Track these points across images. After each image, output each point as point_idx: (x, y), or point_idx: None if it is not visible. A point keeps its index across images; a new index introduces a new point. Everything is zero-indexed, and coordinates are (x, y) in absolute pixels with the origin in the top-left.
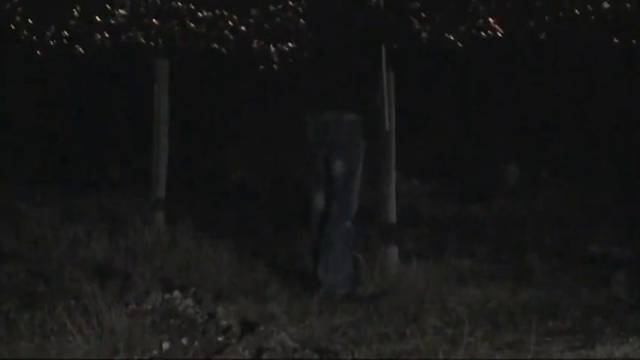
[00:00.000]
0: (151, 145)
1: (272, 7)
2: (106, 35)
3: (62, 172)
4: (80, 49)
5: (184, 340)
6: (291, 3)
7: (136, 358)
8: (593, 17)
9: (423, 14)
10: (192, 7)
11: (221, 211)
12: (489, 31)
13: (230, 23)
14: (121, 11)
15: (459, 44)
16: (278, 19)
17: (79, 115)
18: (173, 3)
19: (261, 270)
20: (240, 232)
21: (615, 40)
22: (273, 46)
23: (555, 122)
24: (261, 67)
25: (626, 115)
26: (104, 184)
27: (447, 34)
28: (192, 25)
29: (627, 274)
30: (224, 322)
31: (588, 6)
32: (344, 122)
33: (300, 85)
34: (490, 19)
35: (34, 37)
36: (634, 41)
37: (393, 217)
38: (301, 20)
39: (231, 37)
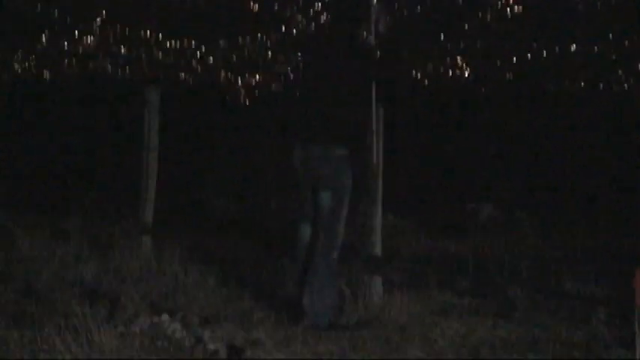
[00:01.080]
0: (140, 170)
1: (240, 40)
2: (74, 62)
3: (52, 194)
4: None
5: None
6: (260, 36)
7: None
8: (559, 59)
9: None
10: (160, 37)
11: (208, 237)
12: (461, 70)
13: (198, 54)
14: (89, 39)
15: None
16: (246, 51)
17: (73, 142)
18: (141, 33)
19: (246, 297)
20: (227, 259)
21: (582, 84)
22: (241, 77)
23: (528, 161)
24: (227, 97)
25: (596, 154)
26: (94, 207)
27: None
28: (160, 54)
29: (607, 311)
30: (211, 346)
31: (556, 48)
32: (332, 156)
33: (289, 118)
34: (458, 60)
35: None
36: (601, 84)
37: (378, 250)
38: (269, 53)
39: (199, 67)
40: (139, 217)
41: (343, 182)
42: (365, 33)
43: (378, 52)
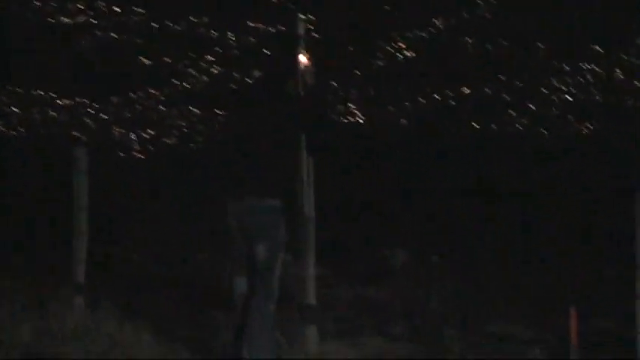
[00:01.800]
0: (71, 230)
1: (132, 95)
2: None
3: None
4: None
5: None
6: (152, 91)
7: None
8: (453, 102)
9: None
10: (54, 94)
11: (142, 294)
12: (354, 116)
13: (91, 111)
14: None
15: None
16: (138, 106)
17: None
18: (33, 92)
19: (183, 352)
20: (162, 315)
21: (493, 126)
22: (134, 132)
23: (438, 205)
24: (122, 155)
25: (502, 194)
26: (25, 268)
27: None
28: (53, 113)
29: (543, 351)
30: None
31: (447, 91)
32: (265, 208)
33: (220, 170)
34: (350, 105)
35: None
36: (493, 125)
37: (312, 299)
38: (161, 107)
39: (92, 124)
40: (71, 277)
41: (278, 234)
42: (292, 86)
43: (306, 103)
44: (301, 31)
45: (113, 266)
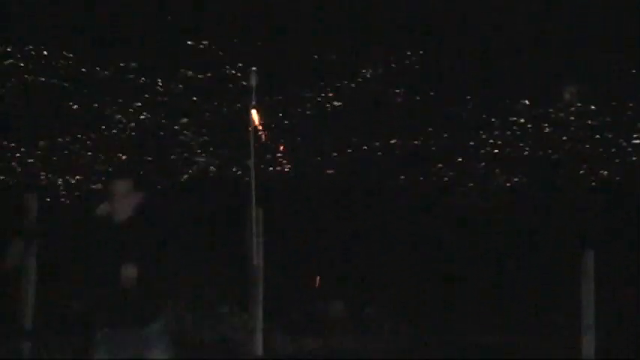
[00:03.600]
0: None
1: (60, 140)
2: None
3: None
4: None
5: None
6: (79, 136)
7: None
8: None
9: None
10: None
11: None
12: (281, 165)
13: (17, 155)
14: None
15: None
16: (66, 151)
17: None
18: None
19: None
20: None
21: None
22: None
23: (373, 257)
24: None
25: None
26: None
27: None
28: None
29: None
30: None
31: (377, 143)
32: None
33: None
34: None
35: None
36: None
37: (259, 350)
38: (89, 153)
39: (19, 168)
40: (18, 323)
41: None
42: None
43: None
44: (253, 83)
45: (64, 314)
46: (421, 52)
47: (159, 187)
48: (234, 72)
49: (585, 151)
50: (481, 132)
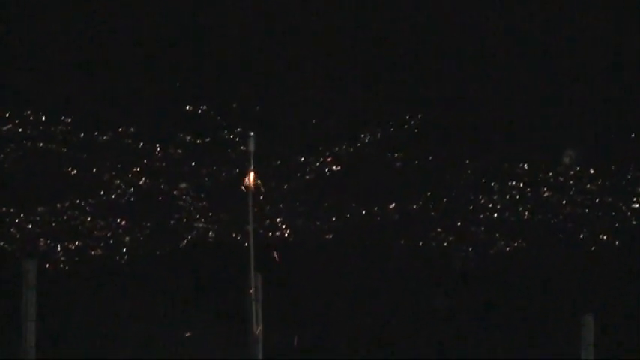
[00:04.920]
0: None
1: (59, 205)
2: None
3: None
4: None
5: None
6: (78, 201)
7: None
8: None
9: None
10: None
11: None
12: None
13: (16, 221)
14: None
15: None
16: (65, 217)
17: None
18: None
19: None
20: None
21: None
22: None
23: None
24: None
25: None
26: None
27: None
28: None
29: None
30: None
31: (376, 208)
32: None
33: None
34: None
35: None
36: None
37: None
38: (88, 219)
39: (18, 235)
40: None
41: None
42: None
43: None
44: (252, 148)
45: None
46: (419, 116)
47: (157, 252)
48: (232, 137)
49: (585, 216)
50: (480, 196)
